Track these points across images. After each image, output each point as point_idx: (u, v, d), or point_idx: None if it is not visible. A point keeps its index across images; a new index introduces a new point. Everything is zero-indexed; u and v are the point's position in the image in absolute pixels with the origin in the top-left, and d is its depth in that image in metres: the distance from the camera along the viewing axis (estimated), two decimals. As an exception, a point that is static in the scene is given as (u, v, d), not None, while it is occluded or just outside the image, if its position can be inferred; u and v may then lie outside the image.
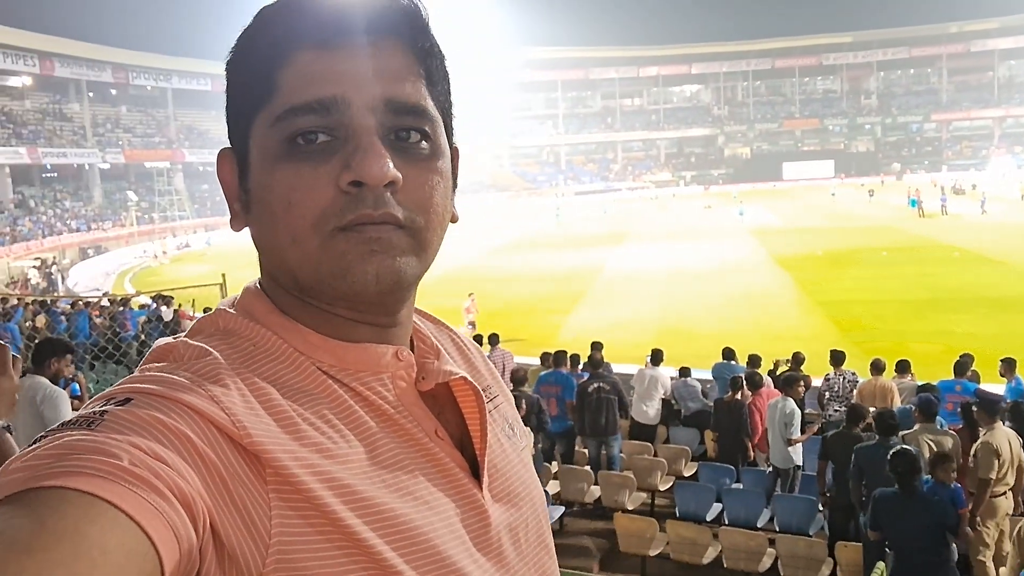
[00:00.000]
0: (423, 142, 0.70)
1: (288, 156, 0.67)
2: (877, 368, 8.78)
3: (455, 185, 0.76)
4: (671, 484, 7.90)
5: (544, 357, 10.43)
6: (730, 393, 8.55)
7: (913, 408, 6.90)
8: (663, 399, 9.57)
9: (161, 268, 35.96)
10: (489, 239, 41.39)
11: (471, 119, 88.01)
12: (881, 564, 5.11)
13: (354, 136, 0.67)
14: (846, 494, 6.26)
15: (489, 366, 0.90)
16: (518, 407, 6.80)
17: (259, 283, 0.76)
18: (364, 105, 0.67)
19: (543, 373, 9.50)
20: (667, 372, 10.11)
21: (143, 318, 13.61)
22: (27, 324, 12.61)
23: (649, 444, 9.04)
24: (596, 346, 9.90)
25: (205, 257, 40.32)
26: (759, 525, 6.84)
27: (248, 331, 0.71)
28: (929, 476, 5.25)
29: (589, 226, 46.29)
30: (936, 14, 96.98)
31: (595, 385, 8.51)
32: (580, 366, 9.66)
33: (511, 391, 6.30)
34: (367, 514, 0.64)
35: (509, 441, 0.82)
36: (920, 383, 8.48)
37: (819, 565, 5.96)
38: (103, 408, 0.59)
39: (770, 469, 7.87)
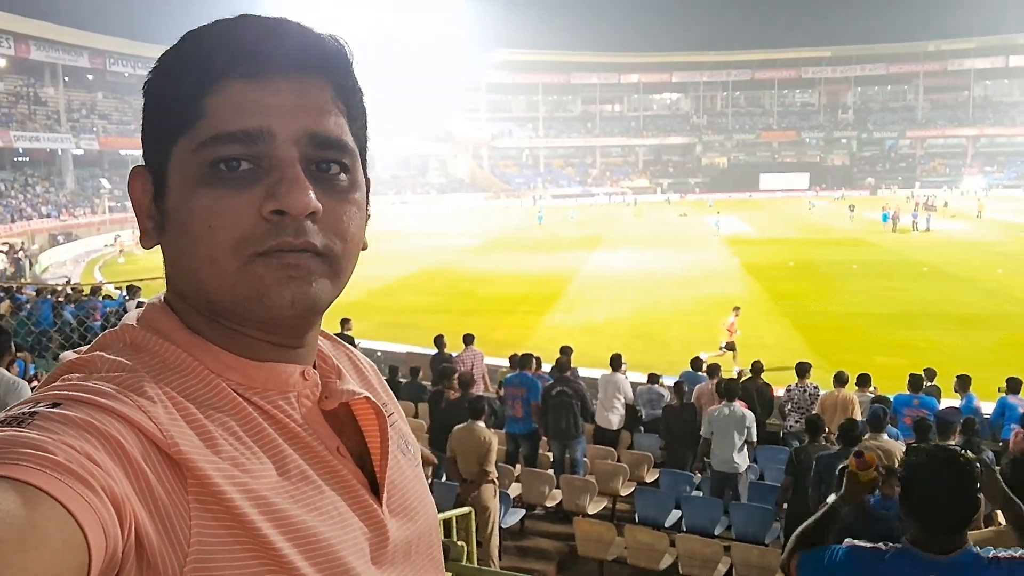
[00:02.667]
0: (342, 174, 0.74)
1: (210, 181, 0.69)
2: (840, 380, 8.91)
3: (368, 215, 0.79)
4: (632, 489, 7.98)
5: (512, 359, 10.48)
6: (675, 399, 8.73)
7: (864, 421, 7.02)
8: (627, 405, 9.64)
9: (131, 257, 35.50)
10: (466, 239, 41.40)
11: (450, 118, 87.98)
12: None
13: (278, 167, 0.69)
14: (801, 504, 6.34)
15: (383, 383, 0.93)
16: (481, 410, 6.81)
17: (164, 299, 0.77)
18: (288, 138, 0.70)
19: (509, 375, 9.55)
20: (634, 377, 10.19)
21: (112, 309, 13.48)
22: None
23: (612, 449, 9.10)
24: (564, 350, 9.96)
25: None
26: (716, 533, 6.92)
27: (156, 347, 0.72)
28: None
29: (566, 229, 46.40)
30: (914, 32, 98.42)
31: (558, 389, 8.57)
32: (548, 369, 9.72)
33: (484, 396, 6.27)
34: (282, 525, 0.66)
35: (405, 457, 0.85)
36: (872, 396, 8.63)
37: (772, 574, 6.03)
38: (32, 409, 0.60)
39: (703, 476, 7.98)
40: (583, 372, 11.12)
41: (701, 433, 8.06)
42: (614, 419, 9.50)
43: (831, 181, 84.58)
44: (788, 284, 24.57)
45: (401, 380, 10.94)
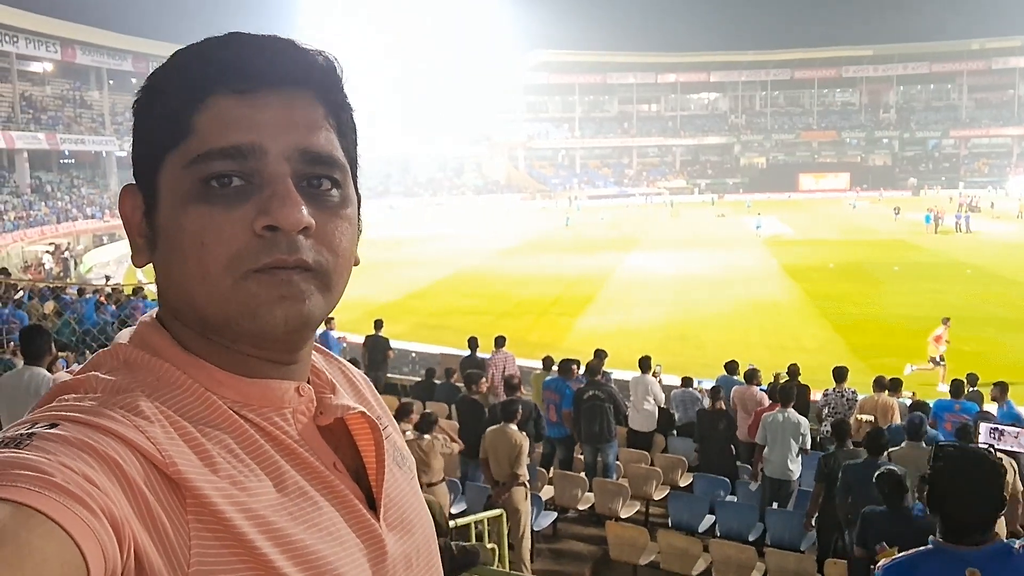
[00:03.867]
0: (333, 190, 0.73)
1: (201, 197, 0.69)
2: (880, 385, 8.75)
3: (360, 230, 0.78)
4: (666, 494, 7.91)
5: (546, 361, 10.45)
6: (710, 402, 8.63)
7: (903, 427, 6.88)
8: (660, 408, 9.56)
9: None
10: (501, 240, 41.47)
11: (487, 119, 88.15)
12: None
13: (270, 182, 0.69)
14: (833, 511, 6.25)
15: (376, 395, 0.92)
16: (514, 413, 6.81)
17: (156, 317, 0.77)
18: (280, 153, 0.70)
19: (548, 379, 9.55)
20: (668, 380, 10.09)
21: (153, 309, 13.62)
22: (37, 310, 12.72)
23: (646, 453, 9.03)
24: (598, 354, 9.93)
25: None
26: (751, 539, 6.83)
27: (150, 365, 0.72)
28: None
29: (601, 230, 46.24)
30: (957, 30, 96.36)
31: (590, 392, 8.53)
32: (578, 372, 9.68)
33: (507, 397, 6.27)
34: (280, 543, 0.66)
35: (400, 470, 0.84)
36: (911, 402, 8.49)
37: (808, 581, 5.95)
38: (30, 431, 0.60)
39: (757, 484, 7.86)
40: (618, 375, 11.06)
41: (756, 440, 7.84)
42: (641, 420, 9.44)
43: (872, 181, 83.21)
44: (828, 286, 24.23)
45: (436, 382, 10.98)
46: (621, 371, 11.66)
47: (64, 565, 0.51)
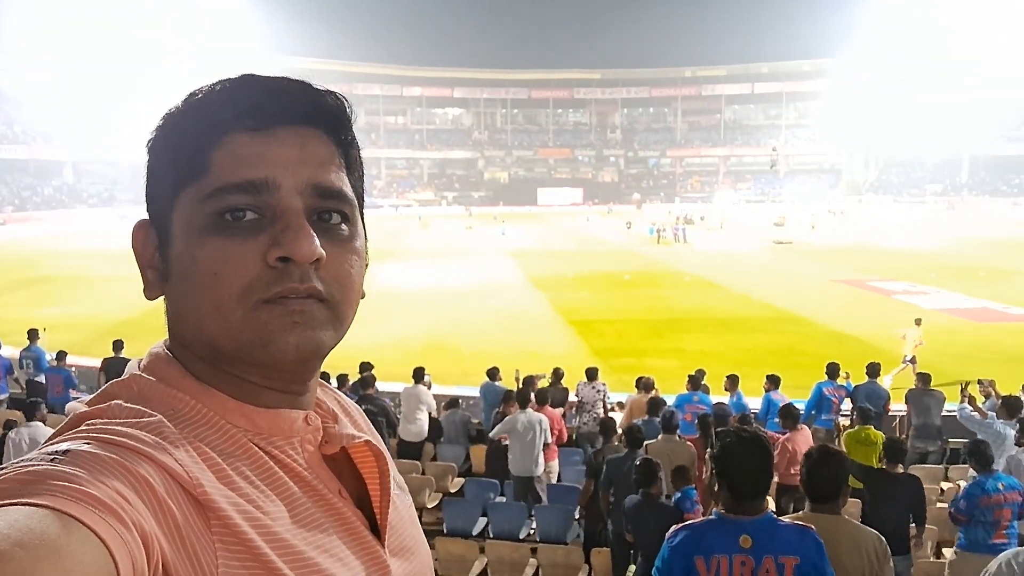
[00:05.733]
0: (343, 224, 0.77)
1: (215, 230, 0.71)
2: (646, 386, 9.62)
3: (367, 264, 0.82)
4: (439, 501, 8.08)
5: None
6: (501, 407, 9.02)
7: (658, 420, 7.62)
8: (431, 417, 9.74)
9: None
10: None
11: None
12: (632, 566, 5.60)
13: (283, 216, 0.72)
14: (598, 503, 6.79)
15: (368, 423, 0.96)
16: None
17: (166, 348, 0.78)
18: (293, 188, 0.73)
19: None
20: (436, 390, 10.27)
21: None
22: None
23: (417, 462, 9.15)
24: (364, 367, 9.89)
25: None
26: (521, 536, 7.18)
27: (165, 396, 0.73)
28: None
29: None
30: (674, 58, 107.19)
31: (364, 407, 8.45)
32: (348, 386, 9.60)
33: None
34: (299, 567, 0.69)
35: (399, 498, 0.88)
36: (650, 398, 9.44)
37: (576, 571, 6.37)
38: (65, 448, 0.61)
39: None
40: (382, 387, 11.08)
41: (491, 435, 8.31)
42: (414, 430, 9.55)
43: (602, 196, 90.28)
44: (569, 293, 25.87)
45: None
46: (385, 383, 11.67)
47: (99, 570, 0.53)
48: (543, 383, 10.32)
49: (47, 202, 70.06)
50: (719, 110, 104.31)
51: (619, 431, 7.75)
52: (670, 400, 9.13)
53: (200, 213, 0.72)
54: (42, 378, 11.28)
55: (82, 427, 0.67)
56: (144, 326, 20.36)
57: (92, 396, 0.75)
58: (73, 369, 12.48)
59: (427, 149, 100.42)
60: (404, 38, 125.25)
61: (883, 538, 3.33)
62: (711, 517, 2.78)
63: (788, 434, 7.45)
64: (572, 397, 10.33)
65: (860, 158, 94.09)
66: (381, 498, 0.83)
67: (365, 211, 0.83)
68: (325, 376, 9.34)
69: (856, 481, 5.56)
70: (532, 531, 7.30)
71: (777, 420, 7.97)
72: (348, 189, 0.78)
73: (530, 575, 6.45)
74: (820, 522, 3.01)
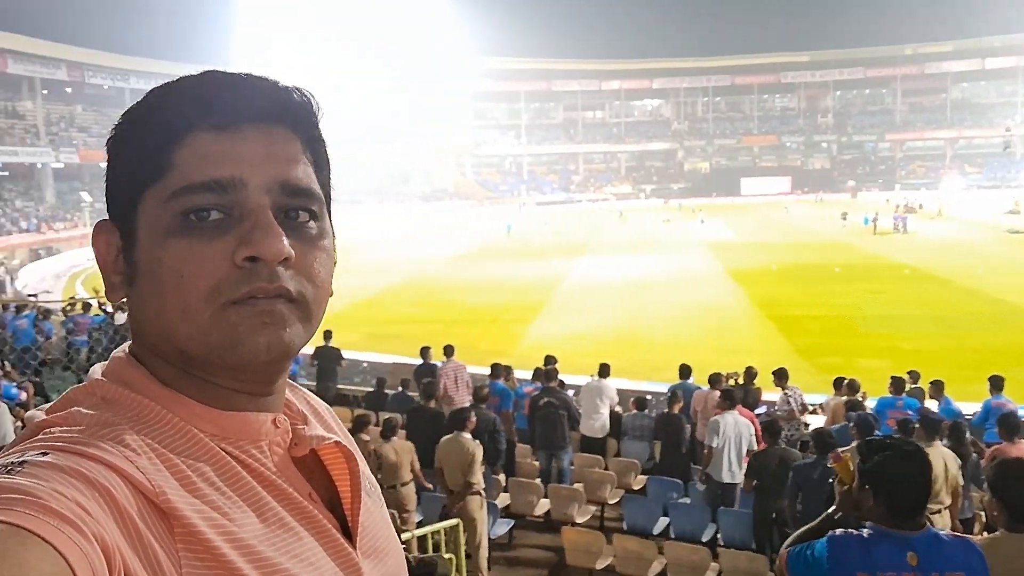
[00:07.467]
0: (311, 222, 0.75)
1: (180, 231, 0.69)
2: (850, 388, 9.01)
3: (335, 261, 0.79)
4: (620, 497, 7.98)
5: (494, 368, 10.45)
6: (668, 407, 8.74)
7: (851, 425, 7.06)
8: (613, 412, 9.63)
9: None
10: (450, 247, 41.39)
11: (434, 126, 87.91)
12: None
13: (250, 215, 0.70)
14: (764, 506, 6.43)
15: (339, 423, 0.93)
16: (464, 421, 6.82)
17: (130, 352, 0.77)
18: (260, 186, 0.71)
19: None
20: (620, 384, 10.16)
21: (97, 324, 13.29)
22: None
23: (599, 457, 9.10)
24: (549, 360, 9.97)
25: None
26: (704, 539, 6.93)
27: (128, 401, 0.72)
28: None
29: (547, 236, 46.42)
30: (891, 36, 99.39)
31: (545, 399, 8.57)
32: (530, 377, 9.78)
33: (471, 406, 6.26)
34: (267, 572, 0.67)
35: (371, 499, 0.85)
36: (848, 400, 8.79)
37: (760, 579, 6.06)
38: (21, 459, 0.60)
39: (704, 486, 7.98)
40: (569, 380, 11.12)
41: (706, 443, 7.84)
42: (597, 425, 9.49)
43: (812, 184, 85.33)
44: (771, 287, 24.73)
45: (387, 391, 10.89)
46: (572, 376, 11.70)
47: None
48: (732, 382, 9.88)
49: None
50: (944, 89, 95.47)
51: (782, 434, 7.30)
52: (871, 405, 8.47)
53: (165, 214, 0.70)
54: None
55: (40, 436, 0.66)
56: (355, 317, 21.84)
57: (52, 403, 0.75)
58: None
59: (625, 142, 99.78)
60: (602, 33, 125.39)
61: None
62: (869, 530, 2.55)
63: (1001, 444, 6.52)
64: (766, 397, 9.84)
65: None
66: (352, 499, 0.80)
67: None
68: (497, 366, 9.60)
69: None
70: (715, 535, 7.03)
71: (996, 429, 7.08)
72: (316, 186, 0.76)
73: (711, 580, 6.23)
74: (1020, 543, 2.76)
